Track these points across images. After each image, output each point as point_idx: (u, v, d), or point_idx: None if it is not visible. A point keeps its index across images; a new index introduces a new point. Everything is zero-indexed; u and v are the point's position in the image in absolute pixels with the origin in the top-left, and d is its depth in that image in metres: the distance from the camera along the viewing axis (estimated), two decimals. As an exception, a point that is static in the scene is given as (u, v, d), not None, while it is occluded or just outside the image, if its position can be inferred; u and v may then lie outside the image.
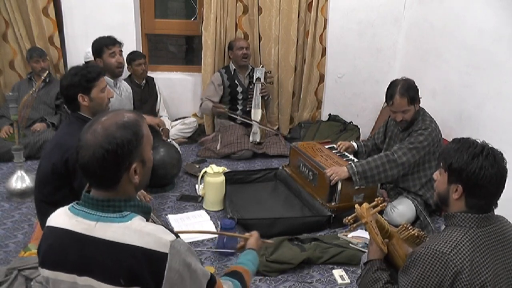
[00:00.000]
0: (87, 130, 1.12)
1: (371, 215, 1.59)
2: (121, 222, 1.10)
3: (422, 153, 2.72)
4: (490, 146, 1.45)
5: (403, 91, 2.67)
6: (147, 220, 1.17)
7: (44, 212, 1.97)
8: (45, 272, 1.16)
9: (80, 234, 1.11)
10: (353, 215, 1.67)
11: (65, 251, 1.12)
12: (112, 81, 2.95)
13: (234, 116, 3.97)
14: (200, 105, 4.03)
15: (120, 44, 2.90)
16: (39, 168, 2.11)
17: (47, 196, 2.04)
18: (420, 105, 2.78)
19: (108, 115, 1.15)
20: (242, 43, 3.94)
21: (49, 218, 1.19)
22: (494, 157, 1.40)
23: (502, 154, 1.44)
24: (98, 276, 1.09)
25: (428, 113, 2.82)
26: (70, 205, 1.18)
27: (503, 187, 1.43)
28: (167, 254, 1.07)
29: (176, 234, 1.14)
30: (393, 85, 2.73)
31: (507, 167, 1.44)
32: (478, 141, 1.46)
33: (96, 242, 1.09)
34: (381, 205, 1.67)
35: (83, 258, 1.10)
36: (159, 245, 1.08)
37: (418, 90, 2.73)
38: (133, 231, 1.09)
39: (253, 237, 1.74)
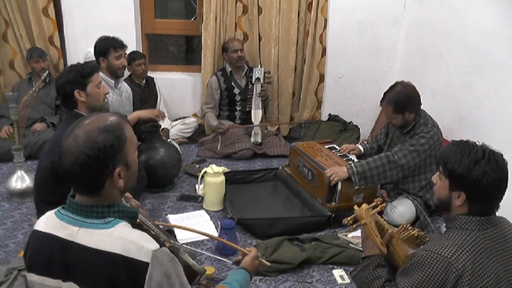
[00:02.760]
0: (69, 135, 1.10)
1: (370, 216, 1.59)
2: (104, 228, 1.08)
3: (423, 156, 2.70)
4: (489, 148, 1.42)
5: (392, 99, 2.67)
6: (133, 226, 1.14)
7: (43, 211, 1.95)
8: (33, 277, 1.15)
9: (64, 239, 1.10)
10: (352, 216, 1.67)
11: (50, 256, 1.11)
12: (113, 82, 2.96)
13: (239, 127, 3.94)
14: (204, 115, 4.04)
15: (126, 47, 2.91)
16: (38, 168, 2.12)
17: (46, 195, 2.04)
18: (421, 106, 2.76)
19: (90, 119, 1.13)
20: (236, 45, 3.91)
21: (36, 222, 1.18)
22: (496, 161, 1.38)
23: (502, 156, 1.42)
24: (81, 282, 1.08)
25: (430, 117, 2.79)
26: (56, 209, 1.16)
27: (506, 189, 1.41)
28: (148, 263, 1.04)
29: (161, 244, 1.10)
30: (390, 88, 2.74)
31: (507, 168, 1.42)
32: (477, 143, 1.43)
33: (78, 249, 1.08)
34: (380, 206, 1.67)
35: (67, 264, 1.09)
36: (141, 253, 1.05)
37: (412, 99, 2.67)
38: (115, 238, 1.07)
39: (249, 255, 1.65)
